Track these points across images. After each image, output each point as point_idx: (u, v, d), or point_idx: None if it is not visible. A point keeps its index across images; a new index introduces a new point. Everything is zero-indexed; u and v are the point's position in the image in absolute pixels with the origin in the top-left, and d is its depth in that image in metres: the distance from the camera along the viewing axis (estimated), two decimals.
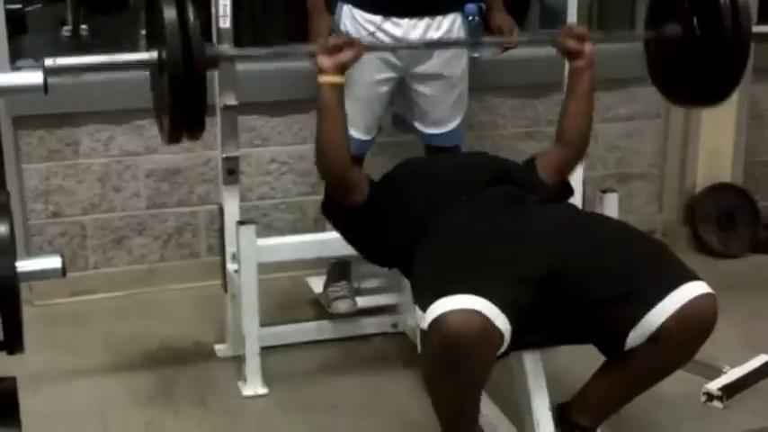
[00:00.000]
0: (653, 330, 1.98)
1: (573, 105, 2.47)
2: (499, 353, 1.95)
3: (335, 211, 2.45)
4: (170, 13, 2.13)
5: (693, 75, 2.55)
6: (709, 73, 2.52)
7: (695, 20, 2.52)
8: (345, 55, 2.31)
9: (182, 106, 2.17)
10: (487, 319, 1.87)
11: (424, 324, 1.91)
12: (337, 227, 2.50)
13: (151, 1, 2.28)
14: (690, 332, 2.00)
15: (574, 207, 2.46)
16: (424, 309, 1.92)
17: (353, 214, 2.38)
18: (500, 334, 1.89)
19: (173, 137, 2.28)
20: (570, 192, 2.50)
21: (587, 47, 2.45)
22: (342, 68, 2.31)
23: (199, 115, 2.22)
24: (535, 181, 2.40)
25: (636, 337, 2.00)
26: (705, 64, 2.51)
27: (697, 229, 3.95)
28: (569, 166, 2.50)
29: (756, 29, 2.58)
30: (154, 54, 2.23)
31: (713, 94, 2.63)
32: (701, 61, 2.51)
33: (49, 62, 2.17)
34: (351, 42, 2.34)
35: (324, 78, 2.29)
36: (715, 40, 2.48)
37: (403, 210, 2.30)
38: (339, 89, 2.31)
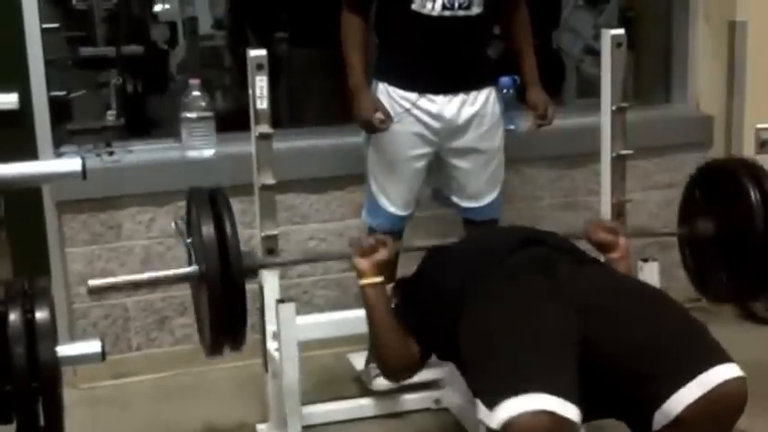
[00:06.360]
0: (677, 413, 1.92)
1: None
2: None
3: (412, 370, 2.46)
4: (208, 230, 2.18)
5: (727, 271, 2.52)
6: (742, 271, 2.49)
7: (727, 217, 2.52)
8: (381, 254, 2.34)
9: (223, 319, 2.21)
10: (557, 415, 1.82)
11: (493, 424, 1.85)
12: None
13: (191, 217, 2.32)
14: (715, 417, 1.93)
15: (611, 270, 2.39)
16: (489, 407, 1.87)
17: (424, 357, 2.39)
18: (573, 424, 1.85)
19: (214, 349, 2.30)
20: None
21: (621, 239, 2.43)
22: (380, 268, 2.33)
23: (240, 327, 2.25)
24: (571, 244, 2.37)
25: (661, 418, 1.94)
26: (738, 261, 2.49)
27: None
28: None
29: None
30: (195, 268, 2.27)
31: (747, 291, 2.61)
32: (734, 258, 2.49)
33: (93, 282, 2.21)
34: (384, 241, 2.37)
35: (364, 281, 2.33)
36: (747, 238, 2.46)
37: (437, 300, 2.28)
38: (381, 288, 2.34)
